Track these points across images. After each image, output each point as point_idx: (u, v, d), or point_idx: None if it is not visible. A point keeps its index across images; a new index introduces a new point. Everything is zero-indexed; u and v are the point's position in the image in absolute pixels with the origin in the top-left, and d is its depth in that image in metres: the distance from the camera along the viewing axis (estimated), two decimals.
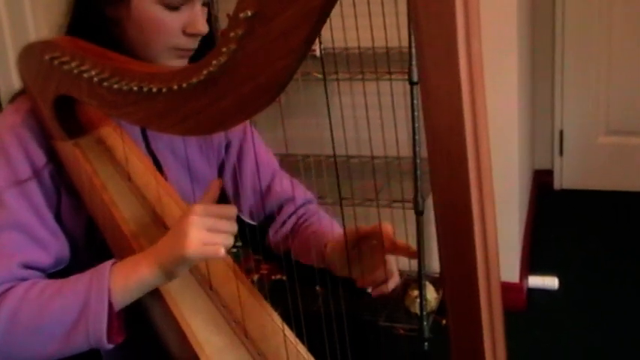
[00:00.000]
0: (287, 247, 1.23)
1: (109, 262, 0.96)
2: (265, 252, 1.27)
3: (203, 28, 1.03)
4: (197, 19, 1.02)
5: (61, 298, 0.93)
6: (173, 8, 1.01)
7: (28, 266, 0.99)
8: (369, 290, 1.09)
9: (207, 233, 0.91)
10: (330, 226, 1.21)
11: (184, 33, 1.03)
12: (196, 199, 1.07)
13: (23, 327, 0.93)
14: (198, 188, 1.11)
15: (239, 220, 1.23)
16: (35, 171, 1.01)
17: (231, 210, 0.95)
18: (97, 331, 0.92)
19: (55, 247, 1.02)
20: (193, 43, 1.05)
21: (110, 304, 0.92)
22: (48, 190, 1.02)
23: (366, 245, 1.07)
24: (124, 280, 0.94)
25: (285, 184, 1.27)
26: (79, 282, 0.95)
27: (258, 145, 1.28)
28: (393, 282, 1.06)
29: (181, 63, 1.06)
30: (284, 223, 1.26)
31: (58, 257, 1.03)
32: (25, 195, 1.00)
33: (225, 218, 0.94)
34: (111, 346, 0.94)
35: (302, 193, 1.29)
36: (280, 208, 1.27)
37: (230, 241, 0.93)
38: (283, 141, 1.30)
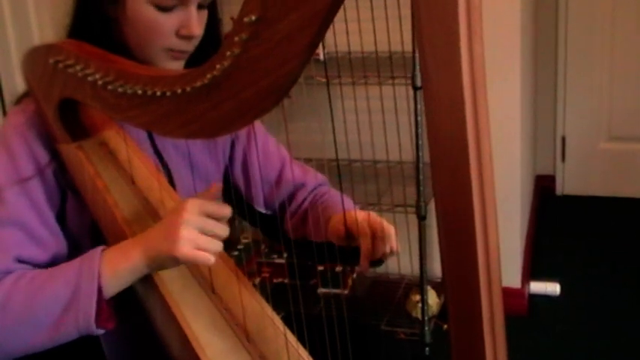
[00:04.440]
0: (303, 233, 1.23)
1: (99, 248, 0.96)
2: (284, 238, 1.25)
3: (196, 30, 1.03)
4: (190, 21, 1.02)
5: (51, 286, 0.94)
6: (166, 9, 1.01)
7: (23, 262, 0.99)
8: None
9: (198, 235, 0.91)
10: (338, 201, 1.18)
11: (177, 35, 1.03)
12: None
13: (14, 316, 0.93)
14: (202, 184, 1.12)
15: (253, 211, 1.23)
16: (39, 169, 1.01)
17: (226, 210, 0.95)
18: (87, 316, 0.92)
19: (53, 246, 1.03)
20: (187, 46, 1.05)
21: (99, 290, 0.93)
22: (51, 189, 1.03)
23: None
24: (114, 266, 0.94)
25: (295, 171, 1.27)
26: (69, 268, 0.95)
27: (265, 137, 1.28)
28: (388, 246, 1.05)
29: (177, 65, 1.06)
30: (298, 208, 1.27)
31: (55, 256, 1.03)
32: (26, 193, 1.00)
33: (218, 218, 0.93)
34: (101, 331, 0.94)
35: (313, 177, 1.29)
36: (293, 194, 1.27)
37: (220, 246, 0.93)
38: (286, 144, 1.30)
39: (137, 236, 0.97)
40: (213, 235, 0.92)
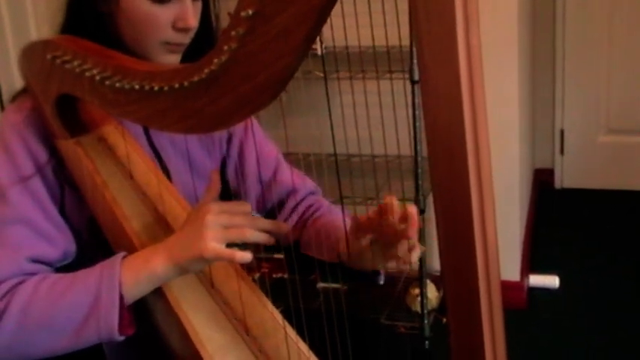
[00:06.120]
0: (296, 238, 1.23)
1: (119, 256, 0.96)
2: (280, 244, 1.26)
3: (192, 22, 1.03)
4: (186, 13, 1.02)
5: (72, 293, 0.94)
6: (161, 2, 1.01)
7: (36, 260, 0.99)
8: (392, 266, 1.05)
9: (224, 231, 0.91)
10: (340, 219, 1.16)
11: (174, 27, 1.03)
12: (197, 193, 1.07)
13: (35, 322, 0.93)
14: (200, 181, 1.12)
15: None
16: (38, 167, 1.02)
17: (245, 206, 0.95)
18: (109, 324, 0.92)
19: (61, 240, 1.03)
20: (183, 38, 1.05)
21: (121, 297, 0.93)
22: (51, 185, 1.03)
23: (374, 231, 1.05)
24: (135, 274, 0.94)
25: (288, 175, 1.27)
26: (89, 276, 0.95)
27: (260, 137, 1.28)
28: (416, 254, 1.01)
29: (173, 58, 1.06)
30: (291, 213, 1.26)
31: (65, 251, 1.04)
32: (29, 191, 1.00)
33: (239, 214, 0.94)
34: (122, 338, 0.95)
35: (306, 184, 1.29)
36: (285, 198, 1.27)
37: (251, 235, 0.93)
38: (284, 139, 1.30)
39: (157, 244, 0.97)
40: (239, 228, 0.92)
